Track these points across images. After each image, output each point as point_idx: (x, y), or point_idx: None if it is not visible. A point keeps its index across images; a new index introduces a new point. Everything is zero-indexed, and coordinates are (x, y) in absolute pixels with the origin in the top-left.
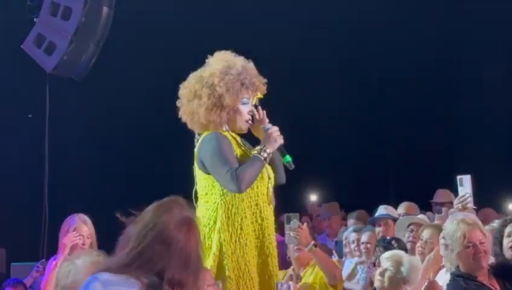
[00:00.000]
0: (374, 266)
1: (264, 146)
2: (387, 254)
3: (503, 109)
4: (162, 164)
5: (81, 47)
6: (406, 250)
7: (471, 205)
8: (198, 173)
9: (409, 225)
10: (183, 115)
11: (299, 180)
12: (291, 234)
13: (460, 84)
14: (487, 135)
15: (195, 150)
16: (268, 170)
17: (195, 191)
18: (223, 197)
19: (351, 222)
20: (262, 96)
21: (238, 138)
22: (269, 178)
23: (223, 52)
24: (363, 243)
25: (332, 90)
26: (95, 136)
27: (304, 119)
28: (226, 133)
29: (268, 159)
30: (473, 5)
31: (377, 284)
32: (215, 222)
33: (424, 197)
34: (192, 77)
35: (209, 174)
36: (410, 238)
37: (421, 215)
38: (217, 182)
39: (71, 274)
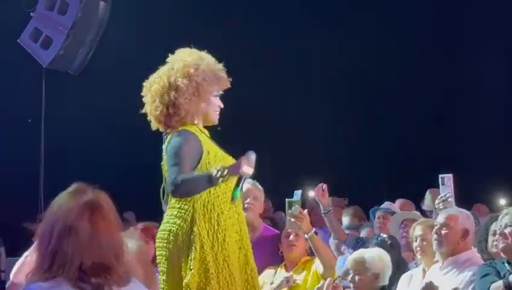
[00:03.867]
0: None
1: (225, 169)
2: (350, 258)
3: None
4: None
5: (77, 41)
6: (399, 247)
7: (451, 204)
8: (164, 169)
9: (403, 221)
10: (155, 110)
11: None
12: (292, 219)
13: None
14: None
15: (164, 147)
16: None
17: (163, 188)
18: (199, 195)
19: (346, 219)
20: (222, 93)
21: (207, 132)
22: None
23: (185, 49)
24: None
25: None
26: (91, 130)
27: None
28: (193, 128)
29: (220, 182)
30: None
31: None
32: (192, 219)
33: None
34: (163, 72)
35: None
36: (404, 234)
37: (415, 212)
38: None
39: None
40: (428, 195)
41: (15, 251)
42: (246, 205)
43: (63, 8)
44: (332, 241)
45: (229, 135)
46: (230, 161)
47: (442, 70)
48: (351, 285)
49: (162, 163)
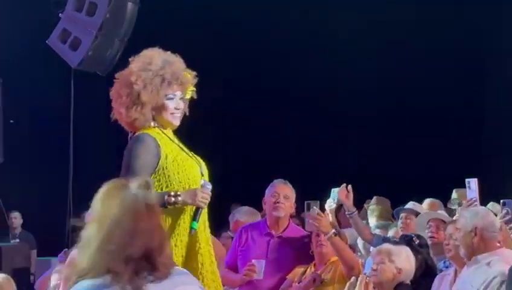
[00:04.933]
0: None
1: (180, 195)
2: (374, 249)
3: None
4: None
5: (105, 42)
6: (427, 246)
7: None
8: None
9: (428, 221)
10: (114, 115)
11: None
12: (311, 221)
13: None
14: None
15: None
16: (201, 166)
17: None
18: None
19: (372, 219)
20: (194, 89)
21: (171, 134)
22: (202, 175)
23: (150, 49)
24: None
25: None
26: (120, 130)
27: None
28: (154, 131)
29: (171, 207)
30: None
31: (372, 280)
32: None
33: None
34: (118, 76)
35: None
36: (430, 234)
37: (440, 211)
38: None
39: None
40: (454, 194)
41: (44, 252)
42: (276, 204)
43: (92, 9)
44: (359, 241)
45: (254, 135)
46: (189, 165)
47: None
48: (372, 273)
49: None
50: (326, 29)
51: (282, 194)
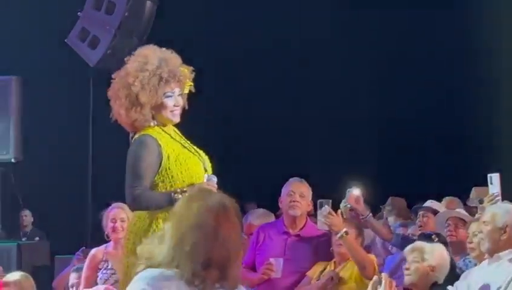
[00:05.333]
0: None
1: (187, 192)
2: (408, 247)
3: None
4: None
5: (124, 41)
6: (446, 244)
7: (499, 203)
8: None
9: (447, 219)
10: (114, 115)
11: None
12: (322, 219)
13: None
14: None
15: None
16: (204, 161)
17: None
18: None
19: (391, 219)
20: (192, 84)
21: (172, 131)
22: (206, 170)
23: (145, 47)
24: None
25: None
26: None
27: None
28: (155, 131)
29: None
30: None
31: (405, 280)
32: (150, 224)
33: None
34: (115, 76)
35: None
36: (448, 233)
37: (459, 210)
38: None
39: None
40: (473, 192)
41: (63, 250)
42: (292, 203)
43: (110, 7)
44: (378, 241)
45: (270, 132)
46: (192, 163)
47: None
48: (405, 272)
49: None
50: None
51: (298, 193)
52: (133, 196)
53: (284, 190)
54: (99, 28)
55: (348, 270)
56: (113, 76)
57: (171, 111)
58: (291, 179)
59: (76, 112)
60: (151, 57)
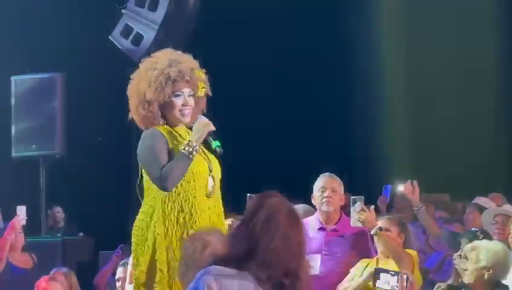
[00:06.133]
0: (461, 257)
1: (189, 141)
2: (468, 246)
3: None
4: None
5: (168, 38)
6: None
7: None
8: (142, 169)
9: (495, 216)
10: (130, 113)
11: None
12: (355, 216)
13: None
14: None
15: None
16: (211, 163)
17: (138, 186)
18: (160, 192)
19: (439, 212)
20: (205, 87)
21: (183, 131)
22: (210, 171)
23: (162, 50)
24: None
25: None
26: None
27: None
28: (163, 127)
29: (194, 153)
30: None
31: (465, 279)
32: (151, 216)
33: None
34: (133, 76)
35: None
36: (496, 230)
37: (506, 206)
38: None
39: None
40: None
41: (107, 246)
42: (324, 199)
43: (154, 4)
44: (423, 236)
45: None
46: (195, 161)
47: None
48: (465, 272)
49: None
50: None
51: (329, 188)
52: (158, 178)
53: (315, 186)
54: (142, 25)
55: (389, 267)
56: (131, 77)
57: (180, 110)
58: (321, 175)
59: (119, 109)
60: (162, 58)
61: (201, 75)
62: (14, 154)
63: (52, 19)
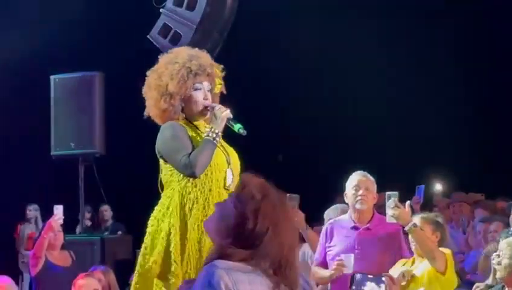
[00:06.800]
0: (499, 257)
1: (212, 127)
2: (503, 242)
3: None
4: None
5: (205, 37)
6: None
7: None
8: (160, 162)
9: None
10: (146, 110)
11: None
12: (389, 212)
13: None
14: None
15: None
16: (229, 156)
17: (160, 180)
18: (178, 183)
19: (478, 211)
20: (222, 83)
21: (202, 127)
22: (229, 163)
23: (178, 47)
24: (490, 232)
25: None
26: None
27: None
28: (181, 122)
29: (218, 139)
30: None
31: (497, 275)
32: (168, 207)
33: None
34: (149, 73)
35: (167, 163)
36: None
37: None
38: (175, 169)
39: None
40: None
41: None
42: (358, 198)
43: (192, 3)
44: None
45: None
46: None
47: None
48: (497, 267)
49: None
50: None
51: (363, 187)
52: (187, 165)
53: (348, 185)
54: (180, 24)
55: (424, 267)
56: (147, 73)
57: (200, 103)
58: (354, 173)
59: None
60: (182, 53)
61: (217, 70)
62: (53, 153)
63: (92, 18)
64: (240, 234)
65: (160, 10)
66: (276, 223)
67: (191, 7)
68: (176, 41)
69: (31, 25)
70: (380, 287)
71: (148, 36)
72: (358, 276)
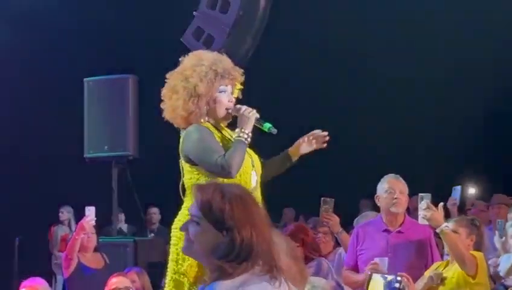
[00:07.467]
0: None
1: (242, 128)
2: None
3: None
4: None
5: (238, 39)
6: None
7: None
8: (184, 166)
9: None
10: (167, 113)
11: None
12: (421, 214)
13: None
14: None
15: (180, 144)
16: (253, 158)
17: (182, 184)
18: None
19: (510, 215)
20: (242, 87)
21: (225, 130)
22: (253, 166)
23: (196, 51)
24: None
25: None
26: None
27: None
28: (206, 124)
29: (249, 139)
30: None
31: None
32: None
33: None
34: (169, 76)
35: (194, 166)
36: None
37: None
38: (207, 172)
39: None
40: None
41: None
42: (394, 201)
43: (225, 6)
44: (497, 238)
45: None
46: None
47: None
48: None
49: (180, 160)
50: None
51: (398, 190)
52: (223, 166)
53: (381, 187)
54: (213, 27)
55: (455, 270)
56: (167, 76)
57: (225, 107)
58: (386, 177)
59: None
60: (206, 55)
61: (237, 73)
62: (86, 155)
63: (124, 21)
64: (231, 253)
65: (194, 13)
66: (254, 223)
67: (224, 10)
68: (209, 43)
69: (68, 29)
70: (395, 287)
71: (181, 39)
72: (374, 276)
